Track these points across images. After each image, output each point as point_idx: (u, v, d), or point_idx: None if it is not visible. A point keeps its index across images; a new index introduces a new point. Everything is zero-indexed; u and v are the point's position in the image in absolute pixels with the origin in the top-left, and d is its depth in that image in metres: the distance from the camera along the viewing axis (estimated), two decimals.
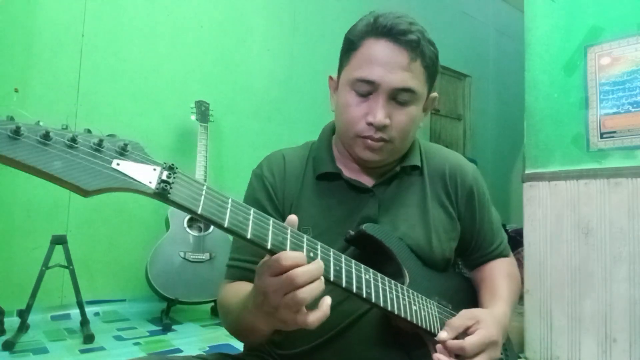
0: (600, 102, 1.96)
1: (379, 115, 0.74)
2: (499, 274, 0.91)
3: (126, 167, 0.45)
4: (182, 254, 2.58)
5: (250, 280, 0.78)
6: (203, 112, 2.94)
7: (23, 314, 2.16)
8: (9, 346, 2.00)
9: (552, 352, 1.99)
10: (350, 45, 0.79)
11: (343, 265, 0.62)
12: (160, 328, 2.48)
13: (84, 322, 2.25)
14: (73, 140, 0.42)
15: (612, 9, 1.95)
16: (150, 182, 0.46)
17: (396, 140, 0.78)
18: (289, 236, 0.57)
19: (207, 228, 2.71)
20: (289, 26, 3.75)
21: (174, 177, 0.48)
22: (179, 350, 2.13)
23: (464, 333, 0.71)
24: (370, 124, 0.76)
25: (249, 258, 0.79)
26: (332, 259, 0.61)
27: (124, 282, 2.87)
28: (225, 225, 0.51)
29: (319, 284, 0.56)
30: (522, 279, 2.15)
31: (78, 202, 2.75)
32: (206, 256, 2.62)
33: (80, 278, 2.32)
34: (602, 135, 1.94)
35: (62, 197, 2.71)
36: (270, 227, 0.55)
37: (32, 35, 2.62)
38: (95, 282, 2.75)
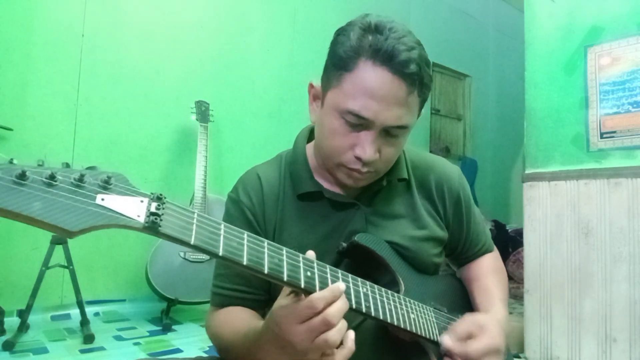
0: (600, 102, 1.96)
1: (369, 151, 0.70)
2: (487, 272, 0.92)
3: (111, 201, 0.42)
4: (182, 254, 2.58)
5: (237, 305, 0.78)
6: (203, 112, 2.94)
7: (23, 314, 2.16)
8: (9, 346, 2.00)
9: (552, 352, 1.99)
10: (341, 63, 0.70)
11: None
12: (160, 328, 2.48)
13: (84, 322, 2.25)
14: (52, 177, 0.39)
15: (612, 9, 1.95)
16: (138, 216, 0.43)
17: (382, 170, 0.77)
18: (284, 257, 0.55)
19: None
20: (289, 26, 3.75)
21: (163, 208, 0.45)
22: (179, 350, 2.13)
23: (467, 338, 0.71)
24: (358, 158, 0.71)
25: (234, 286, 0.80)
26: (329, 276, 0.59)
27: (124, 282, 2.87)
28: (220, 254, 0.49)
29: (345, 323, 0.56)
30: (522, 279, 2.15)
31: None
32: (206, 256, 2.62)
33: (80, 278, 2.32)
34: (602, 135, 1.94)
35: None
36: (266, 250, 0.53)
37: (32, 35, 2.62)
38: (95, 282, 2.76)
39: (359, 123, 0.70)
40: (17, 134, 2.51)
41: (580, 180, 1.97)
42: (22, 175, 0.38)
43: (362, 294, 0.63)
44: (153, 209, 0.44)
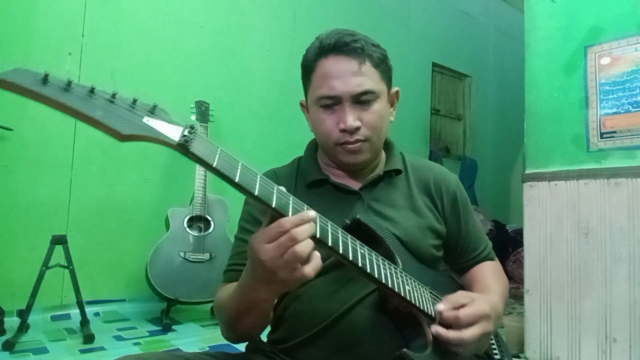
0: (600, 102, 1.96)
1: (349, 120, 0.82)
2: (487, 274, 0.97)
3: (155, 123, 0.54)
4: (182, 254, 2.58)
5: None
6: (203, 112, 2.94)
7: (23, 314, 2.16)
8: (9, 346, 2.00)
9: (552, 352, 1.99)
10: (307, 70, 0.89)
11: (340, 235, 0.66)
12: (160, 328, 2.47)
13: (84, 322, 2.25)
14: (112, 96, 0.52)
15: (612, 9, 1.95)
16: (174, 136, 0.54)
17: (371, 137, 0.86)
18: (291, 201, 0.62)
19: (207, 228, 2.71)
20: (289, 26, 3.75)
21: (194, 135, 0.55)
22: (179, 351, 2.13)
23: (460, 307, 0.75)
24: (343, 131, 0.84)
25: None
26: (329, 228, 0.65)
27: (124, 282, 2.87)
28: (236, 181, 0.56)
29: (310, 240, 0.61)
30: (522, 279, 2.15)
31: (78, 202, 2.75)
32: (206, 256, 2.62)
33: (80, 278, 2.32)
34: (602, 135, 1.94)
35: (62, 197, 2.71)
36: (275, 191, 0.61)
37: (31, 35, 2.62)
38: (95, 282, 2.75)
39: (331, 102, 0.84)
40: (17, 134, 2.52)
41: (580, 180, 1.97)
42: (92, 91, 0.52)
43: (359, 253, 0.68)
44: (186, 133, 0.55)
